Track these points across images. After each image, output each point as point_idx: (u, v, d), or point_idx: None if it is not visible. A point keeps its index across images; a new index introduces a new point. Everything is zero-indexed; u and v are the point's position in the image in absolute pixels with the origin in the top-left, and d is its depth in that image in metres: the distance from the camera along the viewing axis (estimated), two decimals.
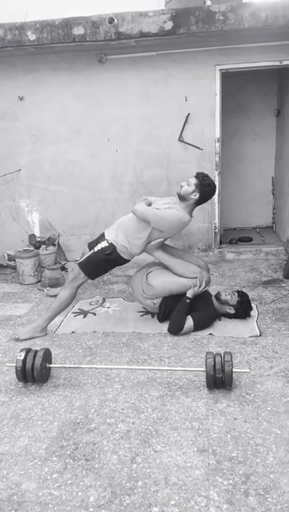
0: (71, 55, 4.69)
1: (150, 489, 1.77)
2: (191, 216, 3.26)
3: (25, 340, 3.16)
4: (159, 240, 3.21)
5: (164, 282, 3.26)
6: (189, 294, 3.21)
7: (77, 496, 1.75)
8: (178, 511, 1.66)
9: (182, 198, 3.18)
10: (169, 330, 3.18)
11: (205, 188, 3.15)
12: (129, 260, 3.32)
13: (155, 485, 1.79)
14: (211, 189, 3.20)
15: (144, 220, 3.15)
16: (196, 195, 3.14)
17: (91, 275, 3.28)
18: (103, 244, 3.22)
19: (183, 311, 3.16)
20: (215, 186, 3.27)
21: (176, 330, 3.15)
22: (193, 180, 3.16)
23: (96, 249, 3.24)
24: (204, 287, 3.27)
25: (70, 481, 1.83)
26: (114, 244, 3.19)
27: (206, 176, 3.20)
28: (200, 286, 3.24)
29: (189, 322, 3.15)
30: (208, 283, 3.34)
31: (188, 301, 3.19)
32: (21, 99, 4.90)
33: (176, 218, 3.15)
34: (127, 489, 1.77)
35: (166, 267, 3.31)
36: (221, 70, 4.60)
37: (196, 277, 3.23)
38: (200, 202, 3.22)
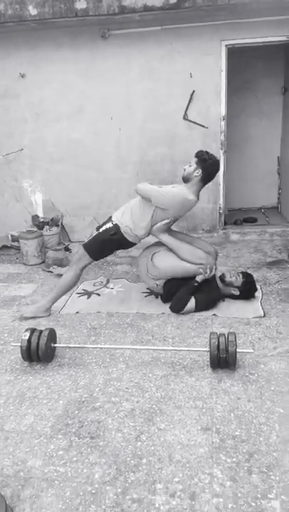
0: (73, 31, 4.57)
1: (154, 466, 1.79)
2: (198, 198, 3.22)
3: (29, 318, 3.18)
4: (165, 222, 3.17)
5: (169, 264, 3.24)
6: (199, 278, 3.19)
7: (82, 473, 1.77)
8: (182, 488, 1.68)
9: (186, 179, 3.15)
10: (170, 308, 3.19)
11: (206, 163, 3.10)
12: (135, 244, 3.30)
13: (159, 462, 1.81)
14: (212, 162, 3.13)
15: (146, 198, 3.13)
16: (198, 173, 3.10)
17: (95, 256, 3.27)
18: (108, 225, 3.21)
19: (187, 292, 3.16)
20: (217, 160, 3.20)
21: (177, 309, 3.15)
22: (194, 159, 3.13)
23: (101, 230, 3.22)
24: (210, 274, 3.24)
25: (75, 458, 1.86)
26: (119, 224, 3.17)
27: (206, 151, 3.15)
28: (207, 273, 3.20)
29: (191, 302, 3.15)
30: (216, 256, 3.34)
31: (195, 284, 3.17)
32: (23, 76, 4.81)
33: (179, 196, 3.11)
34: (131, 466, 1.80)
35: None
36: (227, 45, 4.48)
37: (202, 263, 3.19)
38: (205, 179, 3.17)
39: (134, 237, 3.22)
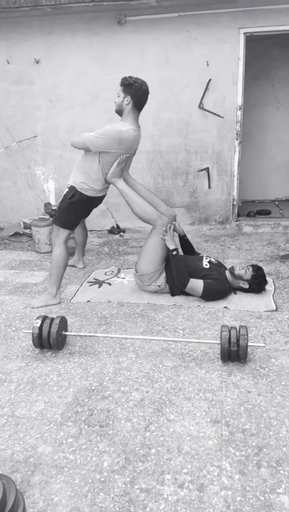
0: (89, 16, 4.51)
1: (163, 457, 1.80)
2: (138, 126, 3.15)
3: (40, 307, 3.19)
4: (116, 164, 3.09)
5: (145, 260, 3.25)
6: (168, 244, 3.17)
7: (91, 461, 1.79)
8: (190, 479, 1.69)
9: (119, 112, 3.08)
10: (177, 284, 3.19)
11: (132, 87, 2.98)
12: (100, 198, 3.28)
13: (168, 453, 1.82)
14: (138, 85, 2.99)
15: (84, 148, 3.08)
16: (128, 100, 3.00)
17: (67, 225, 3.24)
18: (65, 191, 3.21)
19: (177, 263, 3.14)
20: (142, 81, 3.03)
21: (181, 281, 3.14)
22: (119, 88, 3.02)
23: (60, 199, 3.23)
24: (171, 228, 3.21)
25: (84, 445, 1.87)
26: (74, 185, 3.15)
27: (129, 76, 3.02)
28: (167, 231, 3.18)
29: (199, 285, 3.13)
30: (173, 219, 3.32)
31: (174, 253, 3.15)
32: (37, 62, 4.78)
33: (113, 132, 3.00)
34: (140, 456, 1.81)
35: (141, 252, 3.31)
36: (245, 33, 4.39)
37: (150, 222, 3.20)
38: (137, 105, 3.05)
39: (93, 191, 3.17)
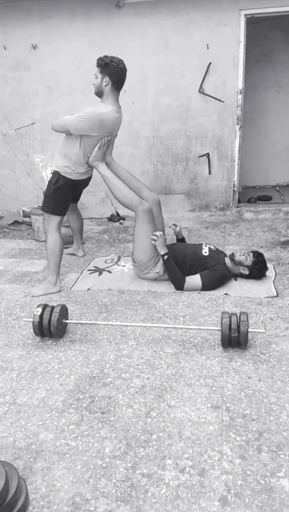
0: (88, 0, 4.42)
1: (164, 442, 1.81)
2: (119, 107, 3.09)
3: (40, 296, 3.20)
4: (97, 147, 3.04)
5: (138, 249, 3.23)
6: (159, 250, 3.13)
7: (93, 447, 1.80)
8: (191, 464, 1.70)
9: (99, 94, 3.03)
10: (174, 287, 3.19)
11: (109, 67, 2.91)
12: (87, 180, 3.27)
13: (169, 438, 1.83)
14: (116, 64, 2.91)
15: (65, 131, 3.02)
16: (106, 81, 2.94)
17: (56, 211, 3.20)
18: (49, 177, 3.18)
19: (170, 267, 3.13)
20: (118, 59, 2.94)
21: (177, 284, 3.15)
22: (97, 70, 2.96)
23: (46, 186, 3.21)
24: (161, 234, 3.12)
25: (86, 432, 1.88)
26: (57, 169, 3.12)
27: (104, 56, 2.94)
28: (158, 236, 3.10)
29: (197, 280, 3.12)
30: (157, 205, 3.29)
31: (166, 257, 3.12)
32: (35, 47, 4.71)
33: (94, 114, 2.94)
34: (141, 442, 1.82)
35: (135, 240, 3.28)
36: (246, 15, 4.31)
37: (130, 207, 3.14)
38: (116, 85, 2.98)
39: (77, 174, 3.14)
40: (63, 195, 3.19)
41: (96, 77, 2.97)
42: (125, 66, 2.98)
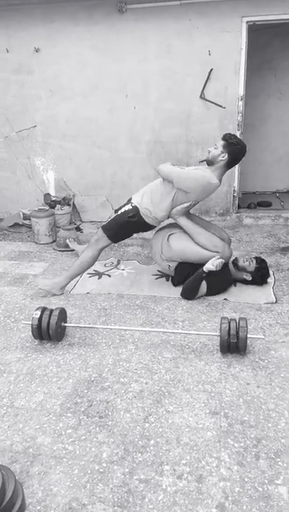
0: (90, 4, 4.44)
1: (162, 448, 1.80)
2: (220, 182, 3.15)
3: (42, 290, 3.23)
4: (185, 205, 3.12)
5: (184, 247, 3.19)
6: (206, 268, 3.05)
7: (90, 452, 1.79)
8: (189, 470, 1.69)
9: (210, 162, 3.09)
10: (181, 295, 3.16)
11: (233, 147, 3.03)
12: (154, 226, 3.28)
13: (167, 444, 1.82)
14: (240, 148, 3.06)
15: (167, 179, 3.08)
16: (224, 157, 3.03)
17: (113, 238, 3.25)
18: (127, 207, 3.19)
19: (197, 281, 3.10)
20: (244, 145, 3.11)
21: (187, 296, 3.14)
22: (220, 142, 3.05)
23: (119, 212, 3.20)
24: (222, 262, 3.09)
25: (84, 436, 1.87)
26: (138, 207, 3.14)
27: (233, 135, 3.09)
28: (219, 265, 3.05)
29: (203, 286, 3.12)
30: (228, 258, 3.24)
31: (204, 275, 3.09)
32: (37, 51, 4.72)
33: (202, 179, 3.04)
34: (139, 447, 1.81)
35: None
36: (248, 22, 4.32)
37: (218, 252, 3.11)
38: (230, 164, 3.10)
39: (153, 220, 3.18)
40: (130, 229, 3.26)
41: (215, 148, 3.06)
42: (245, 151, 3.12)
